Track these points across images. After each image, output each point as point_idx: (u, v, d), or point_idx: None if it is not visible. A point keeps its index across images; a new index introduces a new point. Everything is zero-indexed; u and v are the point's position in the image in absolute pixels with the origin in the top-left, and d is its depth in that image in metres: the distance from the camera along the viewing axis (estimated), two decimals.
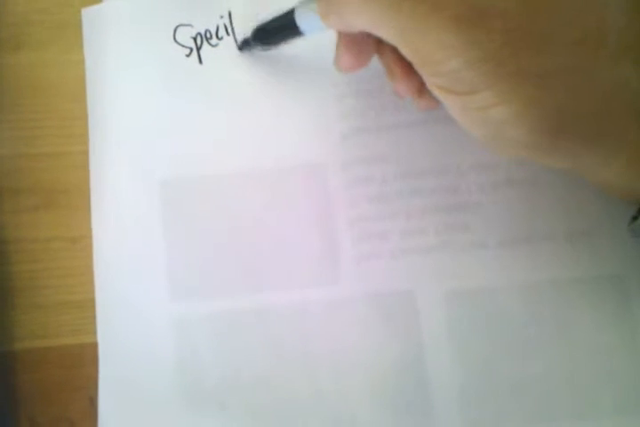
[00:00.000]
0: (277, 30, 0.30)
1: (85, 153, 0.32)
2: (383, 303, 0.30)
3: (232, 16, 0.33)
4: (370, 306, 0.30)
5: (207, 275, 0.30)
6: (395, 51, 0.24)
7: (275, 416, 0.29)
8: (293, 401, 0.29)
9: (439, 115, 0.31)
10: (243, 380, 0.29)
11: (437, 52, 0.22)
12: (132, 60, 0.33)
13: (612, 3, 0.22)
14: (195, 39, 0.32)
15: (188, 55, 0.32)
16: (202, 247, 0.30)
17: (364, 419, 0.29)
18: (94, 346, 0.30)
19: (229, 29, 0.33)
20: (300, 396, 0.29)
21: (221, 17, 0.33)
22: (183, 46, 0.32)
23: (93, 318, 0.30)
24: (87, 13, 0.33)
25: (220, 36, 0.33)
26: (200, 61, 0.32)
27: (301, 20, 0.27)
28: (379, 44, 0.26)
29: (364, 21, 0.24)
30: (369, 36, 0.25)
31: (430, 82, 0.24)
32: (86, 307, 0.30)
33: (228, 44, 0.32)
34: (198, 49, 0.32)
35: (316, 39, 0.31)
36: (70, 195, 0.31)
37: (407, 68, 0.26)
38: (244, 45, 0.32)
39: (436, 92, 0.24)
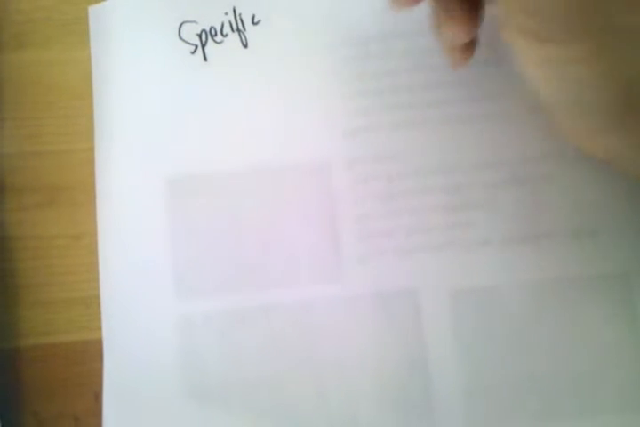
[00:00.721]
0: None
1: (90, 150, 0.32)
2: (387, 301, 0.29)
3: (237, 12, 0.33)
4: (374, 304, 0.29)
5: (212, 272, 0.30)
6: None
7: (277, 414, 0.29)
8: (297, 399, 0.29)
9: (443, 114, 0.31)
10: (246, 377, 0.29)
11: None
12: (138, 57, 0.32)
13: None
14: (199, 36, 0.32)
15: (192, 52, 0.32)
16: (207, 245, 0.30)
17: (367, 417, 0.29)
18: (99, 343, 0.30)
19: (234, 26, 0.33)
20: (303, 394, 0.29)
21: (226, 14, 0.33)
22: (188, 43, 0.32)
23: (98, 314, 0.30)
24: (94, 11, 0.33)
25: (224, 32, 0.32)
26: (205, 58, 0.32)
27: None
28: None
29: None
30: None
31: (519, 25, 0.22)
32: (91, 304, 0.30)
33: (233, 41, 0.32)
34: (203, 46, 0.32)
35: (321, 36, 0.31)
36: (75, 192, 0.31)
37: (467, 6, 0.25)
38: None
39: (517, 39, 0.22)
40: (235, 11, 0.33)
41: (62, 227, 0.31)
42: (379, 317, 0.29)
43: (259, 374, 0.29)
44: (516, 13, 0.22)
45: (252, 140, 0.31)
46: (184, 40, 0.32)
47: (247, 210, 0.31)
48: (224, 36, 0.32)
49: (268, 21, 0.32)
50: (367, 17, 0.32)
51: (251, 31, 0.32)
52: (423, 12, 0.27)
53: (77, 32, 0.33)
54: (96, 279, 0.30)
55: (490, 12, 0.26)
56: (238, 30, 0.32)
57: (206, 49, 0.32)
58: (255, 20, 0.33)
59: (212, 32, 0.32)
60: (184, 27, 0.32)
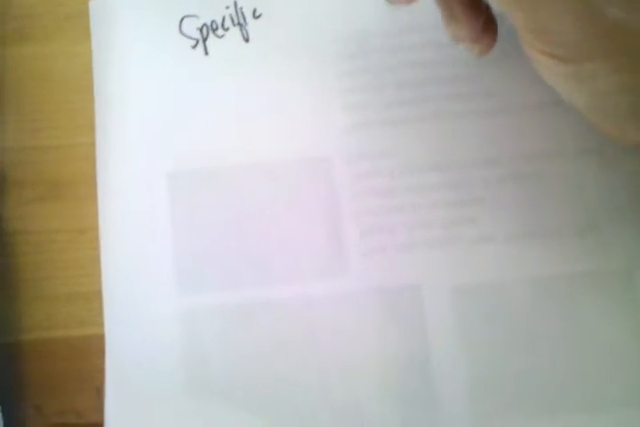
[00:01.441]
0: None
1: (91, 145, 0.32)
2: (389, 297, 0.29)
3: (238, 6, 0.32)
4: (376, 300, 0.29)
5: (214, 267, 0.30)
6: None
7: (280, 408, 0.29)
8: (299, 393, 0.29)
9: (445, 110, 0.31)
10: (249, 372, 0.29)
11: (560, 24, 0.21)
12: (139, 51, 0.32)
13: None
14: (200, 30, 0.32)
15: (193, 46, 0.32)
16: (209, 239, 0.30)
17: (370, 411, 0.29)
18: (101, 337, 0.30)
19: (235, 20, 0.32)
20: (306, 388, 0.29)
21: (227, 7, 0.32)
22: (189, 38, 0.32)
23: (100, 309, 0.30)
24: (95, 5, 0.33)
25: (226, 26, 0.32)
26: (206, 53, 0.32)
27: None
28: None
29: None
30: None
31: (538, 48, 0.23)
32: (93, 298, 0.30)
33: (235, 35, 0.32)
34: (204, 40, 0.32)
35: (323, 30, 0.31)
36: (76, 186, 0.31)
37: (471, 8, 0.25)
38: None
39: (539, 58, 0.23)
40: (236, 4, 0.33)
41: (64, 221, 0.31)
42: (381, 312, 0.29)
43: (261, 369, 0.29)
44: (543, 43, 0.22)
45: (254, 135, 0.31)
46: (185, 34, 0.32)
47: (249, 205, 0.31)
48: (225, 30, 0.32)
49: (269, 15, 0.32)
50: (368, 12, 0.32)
51: (252, 25, 0.32)
52: (423, 7, 0.27)
53: (79, 26, 0.33)
54: (98, 274, 0.30)
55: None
56: (239, 24, 0.32)
57: (207, 43, 0.32)
58: (256, 14, 0.32)
59: (214, 26, 0.32)
60: (185, 21, 0.32)
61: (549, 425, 0.28)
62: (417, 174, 0.30)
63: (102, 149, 0.32)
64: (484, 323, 0.29)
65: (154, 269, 0.30)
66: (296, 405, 0.29)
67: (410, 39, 0.32)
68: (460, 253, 0.30)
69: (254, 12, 0.32)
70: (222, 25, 0.32)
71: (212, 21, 0.32)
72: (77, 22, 0.33)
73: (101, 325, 0.30)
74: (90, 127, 0.32)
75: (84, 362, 0.30)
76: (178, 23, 0.32)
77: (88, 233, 0.31)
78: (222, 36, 0.32)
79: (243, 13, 0.32)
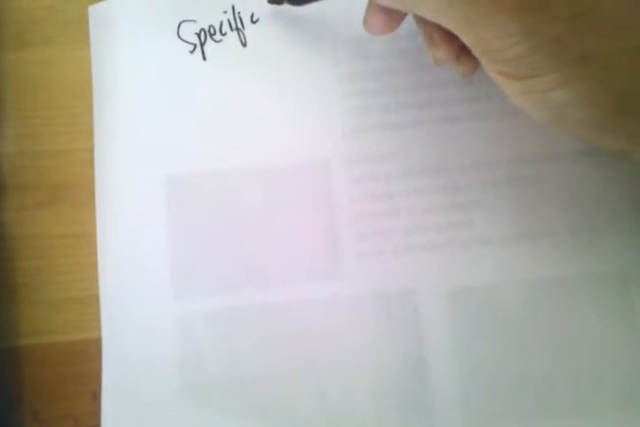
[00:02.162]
0: None
1: (90, 150, 0.32)
2: (386, 301, 0.29)
3: (236, 11, 0.33)
4: (372, 303, 0.29)
5: (211, 272, 0.30)
6: None
7: (276, 413, 0.29)
8: (295, 398, 0.29)
9: (441, 114, 0.31)
10: (245, 377, 0.29)
11: (500, 41, 0.22)
12: (137, 56, 0.32)
13: None
14: (198, 35, 0.32)
15: (191, 51, 0.32)
16: (206, 244, 0.30)
17: (365, 416, 0.29)
18: (98, 342, 0.30)
19: (233, 25, 0.32)
20: (302, 393, 0.29)
21: (225, 12, 0.33)
22: (187, 42, 0.32)
23: (97, 314, 0.30)
24: (94, 10, 0.33)
25: (223, 31, 0.32)
26: (204, 57, 0.32)
27: None
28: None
29: (425, 8, 0.24)
30: None
31: (490, 68, 0.24)
32: (90, 303, 0.30)
33: (232, 40, 0.32)
34: (202, 45, 0.32)
35: (320, 35, 0.31)
36: (75, 192, 0.32)
37: (446, 33, 0.25)
38: (275, 0, 0.32)
39: (496, 77, 0.24)
40: (234, 9, 0.33)
41: (63, 226, 0.31)
42: (377, 316, 0.29)
43: (257, 373, 0.29)
44: (491, 62, 0.24)
45: (251, 140, 0.31)
46: (183, 39, 0.32)
47: (246, 209, 0.31)
48: (223, 34, 0.32)
49: (267, 20, 0.32)
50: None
51: (250, 30, 0.32)
52: None
53: (78, 31, 0.33)
54: (96, 279, 0.30)
55: None
56: (237, 29, 0.32)
57: (205, 48, 0.32)
58: (254, 19, 0.32)
59: (211, 31, 0.32)
60: (183, 26, 0.32)
61: None
62: (413, 178, 0.30)
63: (100, 155, 0.32)
64: (480, 326, 0.29)
65: (150, 274, 0.30)
66: (292, 409, 0.29)
67: (407, 44, 0.32)
68: (456, 256, 0.30)
69: (252, 16, 0.32)
70: (220, 30, 0.32)
71: (210, 26, 0.32)
72: (77, 27, 0.33)
73: (99, 329, 0.30)
74: (89, 133, 0.32)
75: (80, 367, 0.30)
76: (176, 28, 0.33)
77: (87, 238, 0.31)
78: (220, 41, 0.32)
79: (240, 18, 0.33)
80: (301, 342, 0.29)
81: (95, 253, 0.31)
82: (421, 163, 0.31)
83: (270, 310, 0.30)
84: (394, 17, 0.27)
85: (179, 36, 0.32)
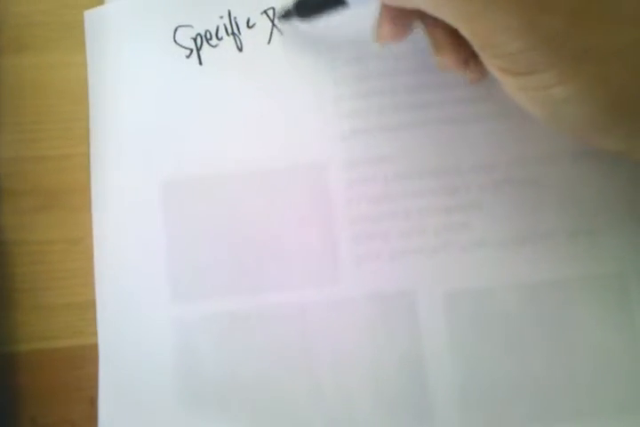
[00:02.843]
0: (320, 2, 0.29)
1: (87, 155, 0.32)
2: (383, 304, 0.29)
3: (232, 16, 0.33)
4: (369, 306, 0.29)
5: (207, 276, 0.30)
6: (442, 23, 0.24)
7: (274, 417, 0.29)
8: (293, 402, 0.29)
9: (439, 116, 0.31)
10: (243, 381, 0.29)
11: (499, 35, 0.22)
12: (134, 61, 0.32)
13: None
14: (195, 40, 0.32)
15: (188, 56, 0.32)
16: (202, 248, 0.30)
17: (363, 419, 0.29)
18: (95, 347, 0.30)
19: (229, 30, 0.32)
20: (299, 396, 0.29)
21: (221, 17, 0.33)
22: (183, 47, 0.32)
23: (94, 319, 0.30)
24: (89, 15, 0.33)
25: (219, 36, 0.32)
26: (200, 62, 0.32)
27: None
28: (424, 15, 0.26)
29: (425, 2, 0.24)
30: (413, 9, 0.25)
31: (489, 63, 0.24)
32: (87, 308, 0.30)
33: (229, 45, 0.32)
34: (198, 50, 0.32)
35: (317, 38, 0.31)
36: (71, 196, 0.32)
37: (455, 39, 0.26)
38: (285, 17, 0.32)
39: (495, 73, 0.24)
40: (230, 14, 0.33)
41: (60, 231, 0.31)
42: (375, 319, 0.29)
43: (255, 378, 0.29)
44: (490, 57, 0.23)
45: (248, 143, 0.31)
46: (179, 44, 0.32)
47: (243, 213, 0.31)
48: (219, 39, 0.32)
49: (262, 25, 0.32)
50: (364, 19, 0.32)
51: (246, 35, 0.32)
52: None
53: (75, 36, 0.33)
54: (93, 284, 0.30)
55: None
56: (233, 34, 0.32)
57: (201, 53, 0.32)
58: (250, 24, 0.32)
59: (208, 36, 0.32)
60: (179, 31, 0.32)
61: None
62: (411, 180, 0.30)
63: (97, 159, 0.32)
64: (477, 329, 0.29)
65: (147, 279, 0.30)
66: (290, 412, 0.29)
67: (406, 46, 0.32)
68: (454, 258, 0.30)
69: (248, 21, 0.32)
70: (216, 35, 0.32)
71: (206, 31, 0.32)
72: (73, 32, 0.33)
73: (96, 335, 0.30)
74: (86, 138, 0.32)
75: (78, 372, 0.30)
76: (172, 33, 0.33)
77: (84, 243, 0.31)
78: (216, 46, 0.32)
79: (237, 23, 0.33)
80: (299, 345, 0.29)
81: (91, 258, 0.31)
82: (419, 165, 0.31)
83: (268, 314, 0.30)
84: (401, 26, 0.27)
85: (175, 41, 0.32)
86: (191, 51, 0.32)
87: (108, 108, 0.32)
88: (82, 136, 0.32)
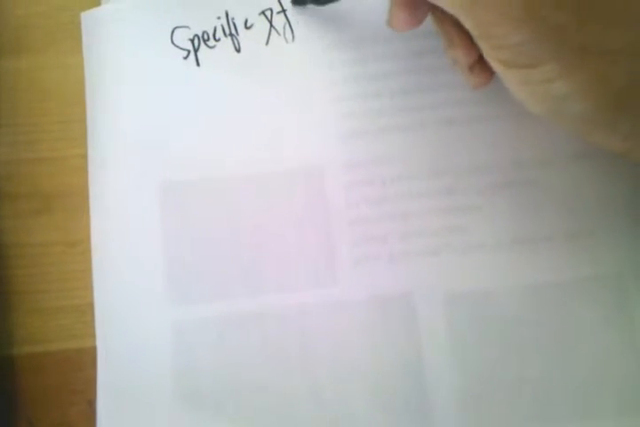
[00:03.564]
0: None
1: (84, 157, 0.32)
2: (382, 306, 0.29)
3: (229, 17, 0.32)
4: (369, 308, 0.29)
5: (206, 278, 0.30)
6: (451, 17, 0.24)
7: (273, 420, 0.29)
8: (292, 404, 0.29)
9: (437, 117, 0.31)
10: (241, 383, 0.29)
11: (501, 26, 0.22)
12: (131, 63, 0.32)
13: None
14: (192, 41, 0.32)
15: (185, 57, 0.32)
16: (200, 250, 0.30)
17: (362, 422, 0.28)
18: (93, 350, 0.30)
19: (227, 31, 0.32)
20: (298, 399, 0.29)
21: (219, 18, 0.32)
22: (180, 48, 0.32)
23: (92, 322, 0.30)
24: (86, 17, 0.33)
25: (217, 37, 0.32)
26: (197, 64, 0.32)
27: None
28: (434, 7, 0.26)
29: None
30: None
31: (490, 55, 0.24)
32: (85, 311, 0.30)
33: (226, 46, 0.32)
34: (196, 51, 0.32)
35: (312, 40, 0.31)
36: (69, 199, 0.31)
37: (467, 35, 0.25)
38: (299, 1, 0.32)
39: (496, 66, 0.24)
40: (227, 15, 0.32)
41: (57, 234, 0.31)
42: (374, 321, 0.29)
43: (254, 380, 0.29)
44: (491, 48, 0.23)
45: (246, 145, 0.31)
46: (176, 45, 0.32)
47: (241, 215, 0.31)
48: (217, 40, 0.32)
49: (260, 25, 0.32)
50: (361, 19, 0.32)
51: (243, 35, 0.32)
52: None
53: (72, 38, 0.33)
54: (90, 286, 0.30)
55: None
56: (231, 35, 0.32)
57: (199, 54, 0.32)
58: (248, 25, 0.32)
59: (205, 37, 0.32)
60: (176, 32, 0.32)
61: None
62: (409, 182, 0.30)
63: (94, 161, 0.32)
64: (477, 331, 0.29)
65: (145, 281, 0.30)
66: (288, 415, 0.29)
67: (403, 47, 0.32)
68: (453, 261, 0.30)
69: (246, 22, 0.32)
70: (214, 35, 0.32)
71: (204, 32, 0.32)
72: (71, 34, 0.33)
73: (93, 337, 0.30)
74: (82, 140, 0.32)
75: (76, 375, 0.30)
76: (169, 34, 0.32)
77: (81, 246, 0.31)
78: (214, 47, 0.32)
79: (234, 24, 0.32)
80: (298, 349, 0.29)
81: (89, 261, 0.30)
82: (417, 167, 0.30)
83: (267, 317, 0.29)
84: (416, 13, 0.27)
85: (172, 43, 0.32)
86: (188, 52, 0.32)
87: (105, 109, 0.32)
88: (79, 138, 0.32)
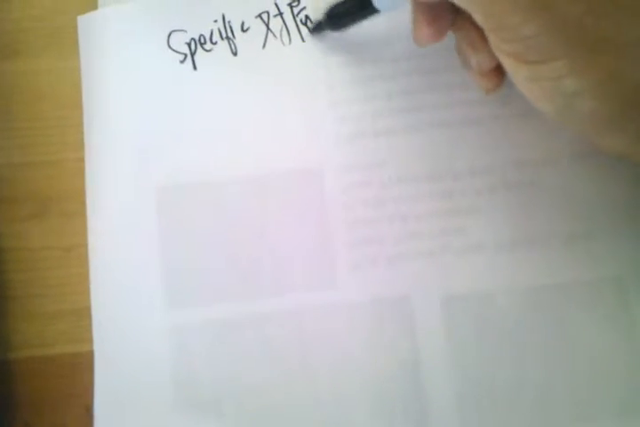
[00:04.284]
0: (351, 10, 0.29)
1: (81, 160, 0.32)
2: (380, 309, 0.29)
3: (226, 20, 0.32)
4: (366, 311, 0.29)
5: (203, 282, 0.30)
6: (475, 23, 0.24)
7: (272, 423, 0.29)
8: (290, 407, 0.29)
9: (434, 119, 0.31)
10: (240, 387, 0.29)
11: (513, 16, 0.21)
12: (128, 66, 0.32)
13: None
14: (189, 45, 0.32)
15: (182, 61, 0.32)
16: (198, 254, 0.30)
17: (360, 425, 0.28)
18: (90, 354, 0.29)
19: (223, 34, 0.32)
20: (297, 402, 0.29)
21: (215, 21, 0.32)
22: (177, 52, 0.32)
23: (89, 326, 0.30)
24: (83, 20, 0.33)
25: (214, 40, 0.32)
26: (194, 67, 0.32)
27: None
28: (457, 17, 0.26)
29: None
30: (445, 5, 0.24)
31: (501, 49, 0.23)
32: (82, 315, 0.30)
33: (223, 49, 0.32)
34: (192, 54, 0.32)
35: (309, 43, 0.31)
36: (65, 203, 0.31)
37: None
38: (317, 29, 0.32)
39: (505, 62, 0.24)
40: (224, 18, 0.32)
41: (53, 238, 0.31)
42: (372, 323, 0.29)
43: (253, 384, 0.29)
44: (502, 41, 0.23)
45: (244, 148, 0.31)
46: (173, 49, 0.32)
47: (239, 218, 0.30)
48: (213, 43, 0.32)
49: (257, 29, 0.32)
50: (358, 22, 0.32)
51: (240, 39, 0.32)
52: (409, 17, 0.27)
53: (68, 41, 0.33)
54: (87, 291, 0.30)
55: None
56: (228, 38, 0.32)
57: (195, 58, 0.32)
58: (245, 28, 0.32)
59: (202, 40, 0.32)
60: (173, 35, 0.32)
61: None
62: (407, 184, 0.30)
63: (91, 165, 0.31)
64: (475, 334, 0.29)
65: (143, 285, 0.30)
66: (287, 419, 0.29)
67: (400, 49, 0.32)
68: (451, 263, 0.29)
69: (242, 25, 0.32)
70: (210, 39, 0.32)
71: (200, 35, 0.32)
72: (67, 38, 0.33)
73: (91, 341, 0.30)
74: (79, 143, 0.32)
75: (73, 379, 0.30)
76: (166, 38, 0.32)
77: (77, 250, 0.31)
78: (210, 50, 0.32)
79: (231, 27, 0.32)
80: (296, 352, 0.29)
81: (86, 265, 0.30)
82: (414, 169, 0.30)
83: (264, 320, 0.29)
84: (439, 25, 0.27)
85: (169, 46, 0.32)
86: (185, 56, 0.32)
87: (102, 113, 0.32)
88: (76, 142, 0.32)
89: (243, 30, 0.32)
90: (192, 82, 0.32)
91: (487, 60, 0.26)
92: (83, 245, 0.31)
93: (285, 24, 0.32)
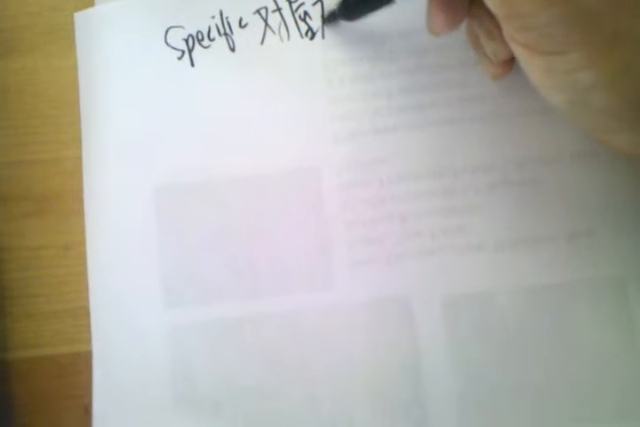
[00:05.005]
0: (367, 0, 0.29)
1: (78, 159, 0.31)
2: (379, 309, 0.29)
3: (224, 16, 0.32)
4: (366, 311, 0.29)
5: (201, 282, 0.30)
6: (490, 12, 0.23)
7: (270, 424, 0.28)
8: (288, 408, 0.29)
9: (434, 117, 0.30)
10: (238, 387, 0.29)
11: (529, 3, 0.21)
12: (125, 64, 0.32)
13: None
14: (186, 41, 0.32)
15: (179, 58, 0.32)
16: (196, 254, 0.30)
17: (360, 425, 0.28)
18: (88, 354, 0.29)
19: (221, 30, 0.32)
20: (295, 403, 0.29)
21: (213, 17, 0.32)
22: (175, 49, 0.32)
23: (87, 326, 0.30)
24: (80, 17, 0.33)
25: (211, 37, 0.32)
26: (192, 64, 0.32)
27: None
28: (472, 4, 0.25)
29: None
30: None
31: (515, 39, 0.23)
32: (80, 315, 0.30)
33: (221, 45, 0.32)
34: (190, 51, 0.32)
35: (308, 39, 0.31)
36: (63, 201, 0.31)
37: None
38: (331, 19, 0.31)
39: (519, 52, 0.23)
40: (221, 14, 0.32)
41: (51, 237, 0.31)
42: (371, 324, 0.29)
43: (251, 384, 0.29)
44: (516, 30, 0.22)
45: (241, 147, 0.31)
46: (171, 46, 0.32)
47: (237, 218, 0.30)
48: (211, 40, 0.32)
49: (255, 24, 0.32)
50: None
51: (238, 35, 0.32)
52: (410, 13, 0.27)
53: (64, 38, 0.33)
54: (85, 290, 0.30)
55: None
56: (225, 34, 0.32)
57: (193, 54, 0.32)
58: (242, 24, 0.32)
59: (199, 36, 0.32)
60: (170, 32, 0.32)
61: None
62: (406, 183, 0.30)
63: (89, 163, 0.31)
64: (475, 334, 0.29)
65: (141, 285, 0.30)
66: (285, 420, 0.28)
67: (399, 46, 0.31)
68: (451, 262, 0.29)
69: (240, 21, 0.32)
70: (208, 35, 0.32)
71: (198, 32, 0.32)
72: (63, 35, 0.33)
73: (89, 341, 0.29)
74: (76, 141, 0.32)
75: (71, 379, 0.30)
76: (163, 34, 0.32)
77: (75, 249, 0.31)
78: (208, 47, 0.32)
79: (229, 23, 0.32)
80: (295, 352, 0.29)
81: (84, 264, 0.30)
82: (414, 167, 0.30)
83: (263, 321, 0.29)
84: (454, 15, 0.26)
85: (166, 43, 0.32)
86: (183, 52, 0.32)
87: (99, 111, 0.32)
88: (73, 140, 0.32)
89: (241, 26, 0.32)
90: (190, 79, 0.32)
91: (503, 49, 0.26)
92: (80, 244, 0.30)
93: (284, 20, 0.32)
